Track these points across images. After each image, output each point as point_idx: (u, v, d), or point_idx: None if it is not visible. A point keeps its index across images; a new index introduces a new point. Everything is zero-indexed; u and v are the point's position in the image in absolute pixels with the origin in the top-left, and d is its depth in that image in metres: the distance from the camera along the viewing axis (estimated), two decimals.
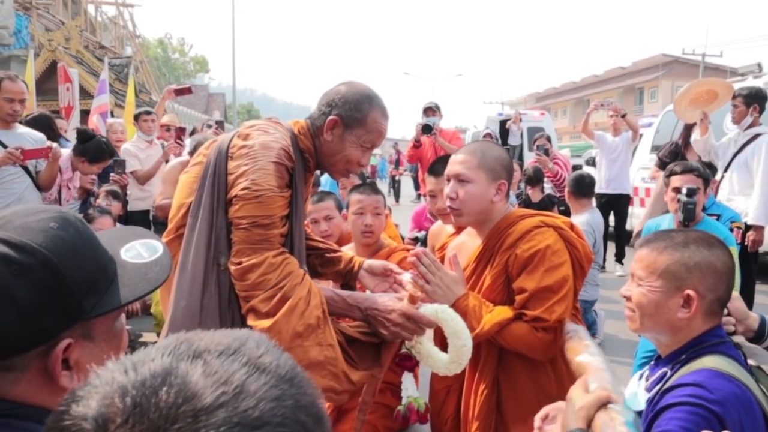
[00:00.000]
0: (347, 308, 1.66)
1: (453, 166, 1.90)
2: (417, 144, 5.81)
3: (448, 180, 1.91)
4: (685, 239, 1.34)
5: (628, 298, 1.40)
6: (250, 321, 1.51)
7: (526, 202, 5.35)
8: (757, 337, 1.58)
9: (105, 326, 0.82)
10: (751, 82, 6.32)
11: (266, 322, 1.47)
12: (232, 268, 1.51)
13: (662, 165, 4.76)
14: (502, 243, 1.85)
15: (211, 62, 46.65)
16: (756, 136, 4.35)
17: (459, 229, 2.22)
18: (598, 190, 5.81)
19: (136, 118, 5.11)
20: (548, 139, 6.55)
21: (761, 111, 4.40)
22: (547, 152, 6.07)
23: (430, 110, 5.71)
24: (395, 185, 17.67)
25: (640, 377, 1.45)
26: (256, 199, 1.49)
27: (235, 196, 1.50)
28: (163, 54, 40.31)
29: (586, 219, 4.41)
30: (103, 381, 0.45)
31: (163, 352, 0.47)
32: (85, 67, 11.69)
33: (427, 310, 1.60)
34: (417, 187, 14.57)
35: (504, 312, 1.78)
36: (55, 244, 0.75)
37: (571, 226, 1.90)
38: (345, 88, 1.72)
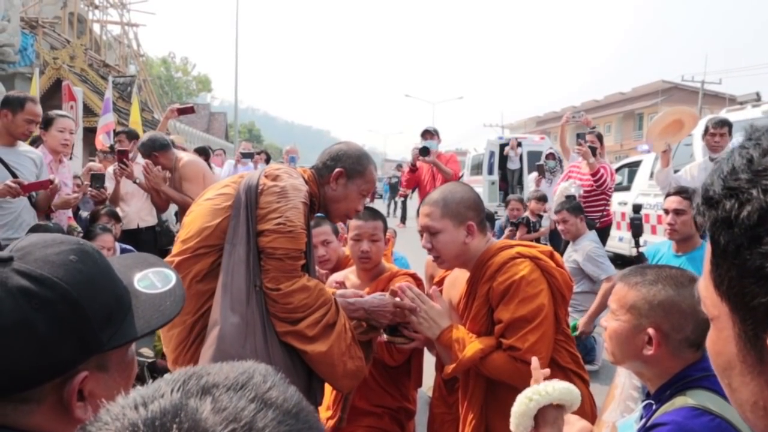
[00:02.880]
0: (356, 310, 1.98)
1: (421, 219, 2.03)
2: (413, 168, 5.79)
3: (423, 232, 2.01)
4: (655, 277, 1.34)
5: (605, 329, 1.41)
6: (299, 345, 1.76)
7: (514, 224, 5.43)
8: None
9: (119, 357, 0.83)
10: (749, 111, 6.38)
11: (322, 347, 1.76)
12: (274, 294, 1.73)
13: None
14: (483, 275, 1.93)
15: (213, 81, 46.96)
16: None
17: None
18: None
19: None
20: (599, 137, 5.73)
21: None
22: (594, 152, 5.33)
23: (428, 134, 5.67)
24: (403, 206, 17.51)
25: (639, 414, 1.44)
26: (289, 233, 1.73)
27: (269, 229, 1.73)
28: (166, 73, 40.63)
29: (595, 238, 4.42)
30: (114, 417, 0.45)
31: (172, 387, 0.47)
32: (89, 86, 11.79)
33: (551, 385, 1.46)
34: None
35: (486, 341, 1.87)
36: (74, 278, 0.76)
37: (551, 255, 1.95)
38: (345, 147, 2.08)
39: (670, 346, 1.29)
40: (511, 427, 1.51)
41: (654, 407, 1.30)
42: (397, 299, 1.99)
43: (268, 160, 8.53)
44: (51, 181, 3.29)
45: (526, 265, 1.84)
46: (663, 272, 1.35)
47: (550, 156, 6.96)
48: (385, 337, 2.17)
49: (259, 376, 0.49)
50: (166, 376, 0.50)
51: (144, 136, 4.28)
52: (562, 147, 6.21)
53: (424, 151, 5.50)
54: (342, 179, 2.00)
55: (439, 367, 2.29)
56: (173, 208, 4.82)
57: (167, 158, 4.13)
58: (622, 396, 1.48)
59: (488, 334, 1.91)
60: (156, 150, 4.08)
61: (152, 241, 4.64)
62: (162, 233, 4.77)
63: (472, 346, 1.85)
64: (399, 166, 20.73)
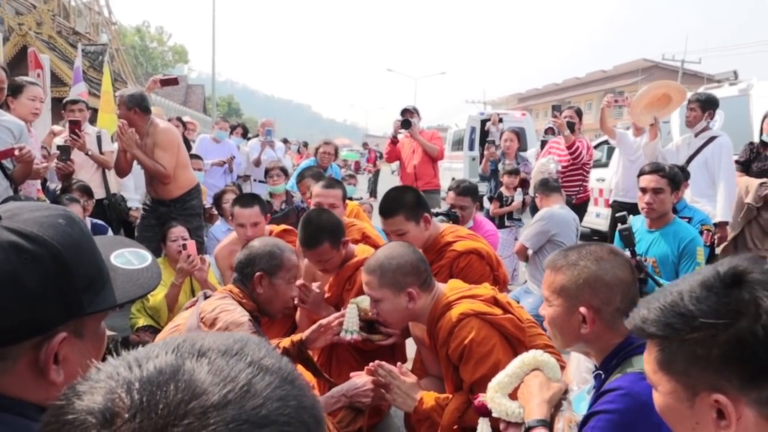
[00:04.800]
0: (338, 401, 2.01)
1: (364, 287, 2.05)
2: (394, 140, 5.83)
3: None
4: (577, 257, 1.40)
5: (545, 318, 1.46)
6: None
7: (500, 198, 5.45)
8: None
9: (94, 326, 0.84)
10: (726, 89, 6.40)
11: None
12: None
13: (742, 167, 4.56)
14: (437, 339, 1.97)
15: (190, 53, 45.79)
16: (712, 138, 4.47)
17: None
18: (613, 197, 5.23)
19: (64, 107, 4.67)
20: (578, 112, 5.66)
21: (712, 117, 4.57)
22: (572, 127, 5.26)
23: (408, 112, 5.71)
24: (373, 179, 17.48)
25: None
26: None
27: None
28: (141, 43, 39.51)
29: (567, 212, 4.45)
30: (106, 376, 0.44)
31: (166, 349, 0.46)
32: (57, 54, 11.39)
33: (527, 355, 1.63)
34: None
35: (457, 401, 1.93)
36: (63, 239, 0.77)
37: (495, 301, 1.99)
38: (254, 247, 2.11)
39: (604, 320, 1.34)
40: (489, 393, 1.56)
41: (603, 377, 1.36)
42: (370, 378, 2.04)
43: (245, 134, 8.37)
44: (15, 149, 3.13)
45: (472, 327, 1.88)
46: (583, 250, 1.41)
47: (550, 130, 6.71)
48: (363, 335, 2.24)
49: (254, 344, 0.49)
50: (157, 341, 0.49)
51: (134, 90, 4.07)
52: (605, 130, 5.65)
53: (406, 124, 5.56)
54: (265, 280, 2.06)
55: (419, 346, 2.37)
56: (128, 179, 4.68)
57: (144, 121, 3.95)
58: (578, 368, 1.53)
59: (461, 386, 1.97)
60: (140, 108, 3.91)
61: (101, 214, 4.50)
62: (111, 206, 4.62)
63: (448, 409, 1.91)
64: (365, 144, 20.66)
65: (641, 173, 3.23)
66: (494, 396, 1.57)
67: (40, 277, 0.74)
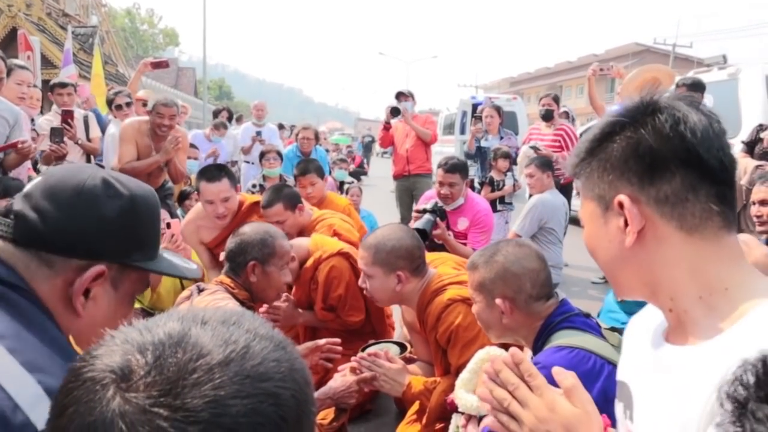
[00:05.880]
0: (323, 403, 1.99)
1: (359, 259, 2.11)
2: (387, 126, 5.82)
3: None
4: (489, 254, 1.50)
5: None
6: None
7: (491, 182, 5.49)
8: None
9: (129, 287, 0.94)
10: (716, 74, 6.46)
11: None
12: None
13: (747, 147, 4.52)
14: (426, 324, 2.03)
15: (181, 35, 45.21)
16: None
17: None
18: None
19: (51, 89, 4.57)
20: (555, 99, 5.71)
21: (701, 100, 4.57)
22: (551, 114, 5.39)
23: (403, 96, 5.66)
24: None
25: None
26: None
27: None
28: (131, 25, 38.96)
29: (558, 198, 4.50)
30: (121, 341, 0.50)
31: (171, 319, 0.53)
32: (47, 36, 11.26)
33: (482, 351, 1.68)
34: None
35: (444, 384, 1.99)
36: (145, 198, 0.94)
37: None
38: (244, 236, 2.06)
39: (519, 307, 1.44)
40: (457, 393, 1.63)
41: (532, 358, 1.43)
42: (352, 376, 2.04)
43: (230, 118, 8.36)
44: (20, 142, 3.14)
45: (459, 312, 1.94)
46: (494, 248, 1.53)
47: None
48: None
49: (249, 316, 0.55)
50: (161, 314, 0.55)
51: (173, 100, 4.07)
52: (593, 104, 5.73)
53: (396, 112, 5.55)
54: (258, 269, 2.04)
55: (406, 323, 2.39)
56: None
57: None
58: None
59: (449, 368, 2.02)
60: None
61: None
62: None
63: (436, 392, 1.98)
64: (349, 154, 21.18)
65: None
66: (458, 392, 1.65)
67: (116, 212, 0.88)
